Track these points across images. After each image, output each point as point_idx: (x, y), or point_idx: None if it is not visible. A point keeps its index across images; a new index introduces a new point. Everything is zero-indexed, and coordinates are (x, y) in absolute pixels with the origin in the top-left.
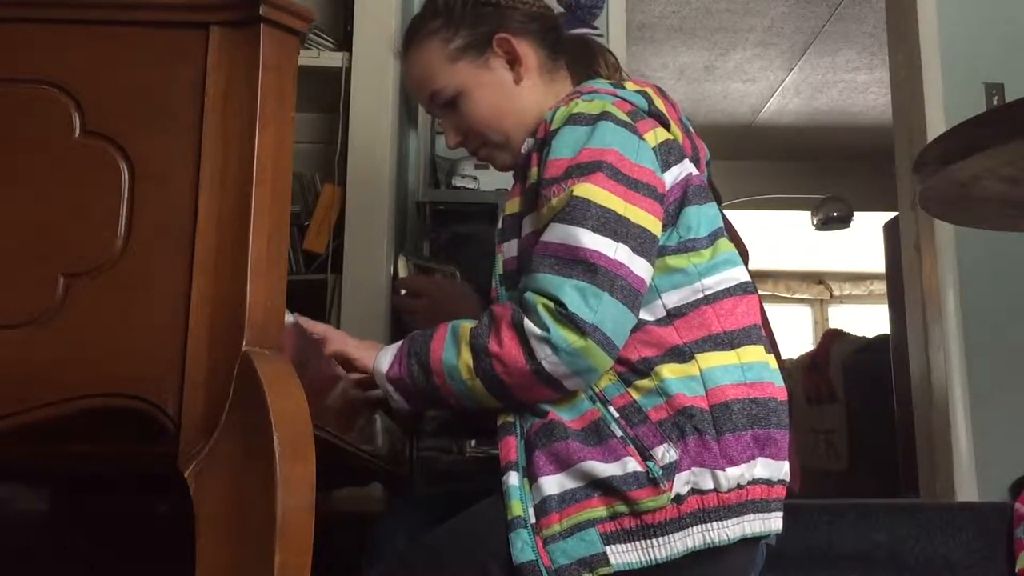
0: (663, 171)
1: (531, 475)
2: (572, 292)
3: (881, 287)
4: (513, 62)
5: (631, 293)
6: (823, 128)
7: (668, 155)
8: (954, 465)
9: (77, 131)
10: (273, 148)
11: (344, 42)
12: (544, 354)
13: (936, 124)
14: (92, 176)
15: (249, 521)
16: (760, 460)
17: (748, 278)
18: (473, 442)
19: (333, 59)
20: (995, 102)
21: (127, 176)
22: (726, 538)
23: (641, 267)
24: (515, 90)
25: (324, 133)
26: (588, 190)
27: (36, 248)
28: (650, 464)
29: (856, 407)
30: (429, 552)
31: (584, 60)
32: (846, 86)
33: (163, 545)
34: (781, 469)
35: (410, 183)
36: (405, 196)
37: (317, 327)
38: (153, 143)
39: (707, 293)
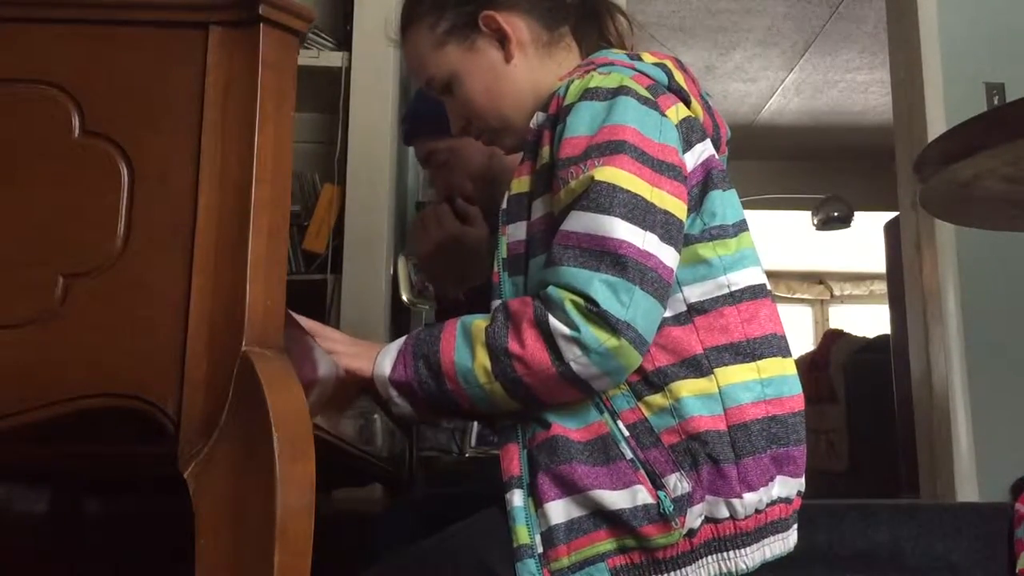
0: (685, 151)
1: (536, 498)
2: (602, 288)
3: (881, 287)
4: (502, 40)
5: (661, 285)
6: (823, 128)
7: (690, 133)
8: (954, 465)
9: (77, 131)
10: (273, 148)
11: (344, 42)
12: (573, 355)
13: (936, 124)
14: (92, 176)
15: (249, 521)
16: (778, 479)
17: (766, 280)
18: (473, 442)
19: (333, 59)
20: (995, 102)
21: (127, 176)
22: (744, 567)
23: (670, 256)
24: (507, 70)
25: (324, 133)
26: (612, 174)
27: (36, 248)
28: (661, 495)
29: (856, 407)
30: (430, 558)
31: (590, 24)
32: (846, 86)
33: (163, 545)
34: (798, 485)
35: (409, 183)
36: (405, 196)
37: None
38: (153, 143)
39: (732, 290)
